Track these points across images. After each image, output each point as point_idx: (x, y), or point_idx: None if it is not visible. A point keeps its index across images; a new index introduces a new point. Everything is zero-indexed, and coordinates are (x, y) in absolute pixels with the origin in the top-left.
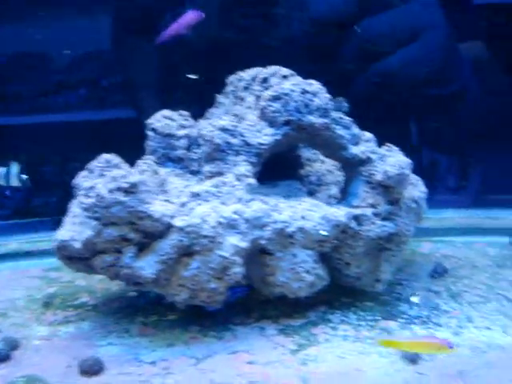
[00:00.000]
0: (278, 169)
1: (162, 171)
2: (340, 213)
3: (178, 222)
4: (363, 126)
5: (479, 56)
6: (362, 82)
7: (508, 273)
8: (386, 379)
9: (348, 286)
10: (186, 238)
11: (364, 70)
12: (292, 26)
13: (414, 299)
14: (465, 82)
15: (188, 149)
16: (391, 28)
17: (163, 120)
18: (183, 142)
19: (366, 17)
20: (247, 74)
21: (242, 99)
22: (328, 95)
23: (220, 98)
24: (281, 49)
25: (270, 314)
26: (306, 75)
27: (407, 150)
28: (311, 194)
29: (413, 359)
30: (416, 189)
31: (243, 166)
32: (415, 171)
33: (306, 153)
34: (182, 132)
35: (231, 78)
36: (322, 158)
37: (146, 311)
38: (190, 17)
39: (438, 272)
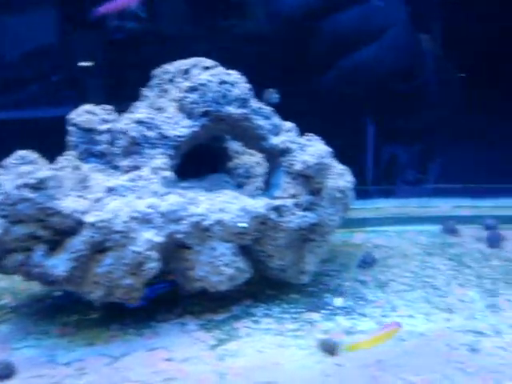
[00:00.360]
0: (206, 162)
1: (85, 167)
2: (259, 204)
3: (88, 218)
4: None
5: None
6: (331, 77)
7: (436, 260)
8: (303, 372)
9: (274, 279)
10: (97, 233)
11: (333, 65)
12: (259, 21)
13: (338, 301)
14: (428, 76)
15: (111, 143)
16: (359, 24)
17: (85, 114)
18: (106, 137)
19: (334, 13)
20: (172, 66)
21: (166, 92)
22: (247, 85)
23: (145, 91)
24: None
25: (193, 309)
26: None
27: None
28: (239, 186)
29: (331, 350)
30: (342, 178)
31: (160, 159)
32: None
33: (234, 145)
34: (104, 126)
35: (156, 71)
36: (250, 150)
37: (68, 311)
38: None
39: (367, 262)
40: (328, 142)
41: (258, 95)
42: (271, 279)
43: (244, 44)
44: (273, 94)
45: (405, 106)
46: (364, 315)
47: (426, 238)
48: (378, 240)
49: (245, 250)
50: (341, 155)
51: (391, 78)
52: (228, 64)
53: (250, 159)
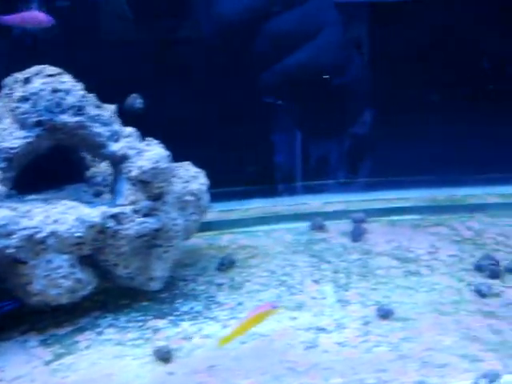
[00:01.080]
0: (63, 172)
1: None
2: (95, 213)
3: None
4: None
5: None
6: (271, 76)
7: (297, 258)
8: (135, 382)
9: (125, 287)
10: None
11: (272, 65)
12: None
13: None
14: (357, 73)
15: None
16: (297, 26)
17: None
18: None
19: (274, 15)
20: (22, 74)
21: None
22: (82, 92)
23: None
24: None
25: (39, 325)
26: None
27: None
28: (97, 195)
29: (166, 358)
30: (196, 181)
31: None
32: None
33: None
34: None
35: (6, 80)
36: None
37: None
38: (37, 17)
39: (225, 264)
40: None
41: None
42: (124, 288)
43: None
44: (136, 100)
45: None
46: (211, 318)
47: (292, 236)
48: (244, 241)
49: (87, 261)
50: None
51: (324, 74)
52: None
53: (108, 167)
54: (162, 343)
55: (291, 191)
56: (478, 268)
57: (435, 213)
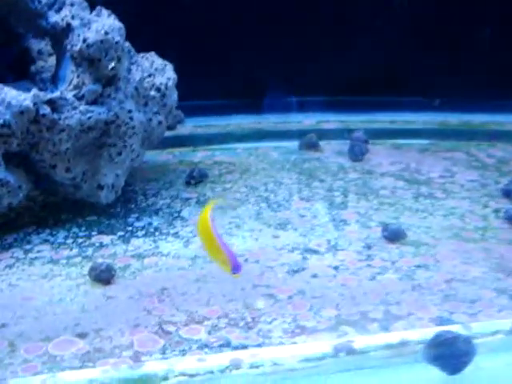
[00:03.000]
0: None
1: None
2: (24, 96)
3: None
4: None
5: None
6: None
7: (282, 175)
8: (59, 307)
9: (72, 199)
10: None
11: None
12: None
13: None
14: None
15: None
16: None
17: None
18: None
19: None
20: None
21: None
22: None
23: None
24: None
25: None
26: None
27: None
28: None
29: (105, 279)
30: (161, 75)
31: None
32: None
33: (37, 44)
34: None
35: None
36: None
37: None
38: None
39: (194, 177)
40: None
41: None
42: (69, 202)
43: None
44: None
45: None
46: (171, 235)
47: (279, 154)
48: (221, 157)
49: (17, 160)
50: None
51: None
52: None
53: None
54: (103, 261)
55: (278, 107)
56: (507, 193)
57: (447, 138)
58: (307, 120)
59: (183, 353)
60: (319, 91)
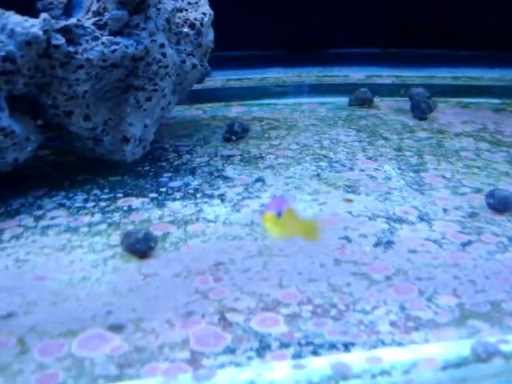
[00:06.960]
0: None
1: None
2: (31, 22)
3: None
4: None
5: None
6: None
7: (338, 131)
8: (82, 291)
9: (92, 157)
10: None
11: None
12: None
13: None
14: None
15: None
16: None
17: None
18: None
19: None
20: None
21: None
22: None
23: None
24: None
25: None
26: None
27: None
28: None
29: (142, 250)
30: (196, 9)
31: None
32: None
33: None
34: None
35: None
36: None
37: None
38: None
39: (235, 132)
40: None
41: None
42: (89, 160)
43: None
44: None
45: None
46: (215, 197)
47: (327, 110)
48: (259, 113)
49: (25, 105)
50: None
51: None
52: None
53: None
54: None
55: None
56: None
57: None
58: (355, 74)
59: (259, 354)
60: (367, 43)
